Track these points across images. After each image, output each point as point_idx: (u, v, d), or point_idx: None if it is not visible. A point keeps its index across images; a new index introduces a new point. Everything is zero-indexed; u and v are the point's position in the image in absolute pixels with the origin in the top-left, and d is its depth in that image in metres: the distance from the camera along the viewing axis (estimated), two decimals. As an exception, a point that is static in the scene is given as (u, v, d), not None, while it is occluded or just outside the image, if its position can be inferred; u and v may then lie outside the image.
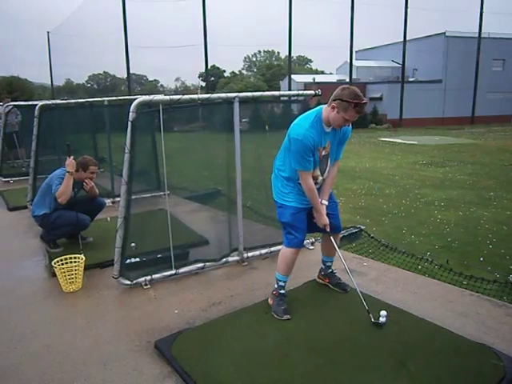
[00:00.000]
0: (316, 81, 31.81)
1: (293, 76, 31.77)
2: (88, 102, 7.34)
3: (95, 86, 52.12)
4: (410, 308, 2.97)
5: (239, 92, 3.86)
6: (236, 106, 3.63)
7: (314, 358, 2.42)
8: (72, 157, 4.09)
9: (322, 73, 52.08)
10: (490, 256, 5.32)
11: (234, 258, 3.95)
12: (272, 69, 50.47)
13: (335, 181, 3.05)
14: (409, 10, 28.07)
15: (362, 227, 5.53)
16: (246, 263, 3.93)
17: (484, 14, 29.35)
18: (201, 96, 3.73)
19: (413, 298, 3.20)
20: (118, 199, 4.30)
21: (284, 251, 2.98)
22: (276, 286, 3.02)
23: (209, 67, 29.37)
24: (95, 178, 4.41)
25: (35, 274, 3.90)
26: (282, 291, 3.01)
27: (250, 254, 3.98)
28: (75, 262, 3.52)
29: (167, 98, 3.30)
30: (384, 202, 8.21)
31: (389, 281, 3.52)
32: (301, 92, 4.01)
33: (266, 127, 4.42)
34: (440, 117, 30.52)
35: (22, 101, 12.68)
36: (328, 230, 2.94)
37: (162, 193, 6.16)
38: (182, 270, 3.66)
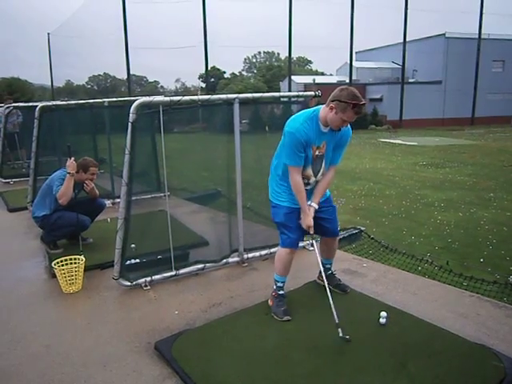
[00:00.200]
0: (316, 82, 31.77)
1: (293, 77, 31.78)
2: (88, 103, 7.34)
3: (95, 87, 52.20)
4: (410, 309, 2.97)
5: (239, 93, 3.87)
6: (236, 107, 3.64)
7: (313, 359, 2.42)
8: (73, 158, 4.10)
9: (322, 74, 52.10)
10: (490, 257, 5.32)
11: (234, 259, 3.95)
12: (272, 70, 50.49)
13: (335, 181, 3.05)
14: (409, 10, 28.12)
15: (362, 228, 5.53)
16: (246, 264, 3.93)
17: (484, 15, 29.41)
18: (201, 97, 3.74)
19: (413, 299, 3.20)
20: (118, 200, 4.30)
21: (279, 251, 3.00)
22: (275, 286, 3.02)
23: (209, 68, 29.41)
24: (95, 179, 4.42)
25: (35, 275, 3.90)
26: (281, 292, 3.01)
27: (250, 255, 3.98)
28: (75, 263, 3.52)
29: (167, 99, 3.31)
30: (384, 203, 8.22)
31: (389, 282, 3.52)
32: (301, 93, 4.02)
33: (266, 128, 4.42)
34: (440, 118, 30.50)
35: (22, 102, 12.69)
36: (311, 232, 2.88)
37: (162, 194, 6.16)
38: (182, 271, 3.66)
